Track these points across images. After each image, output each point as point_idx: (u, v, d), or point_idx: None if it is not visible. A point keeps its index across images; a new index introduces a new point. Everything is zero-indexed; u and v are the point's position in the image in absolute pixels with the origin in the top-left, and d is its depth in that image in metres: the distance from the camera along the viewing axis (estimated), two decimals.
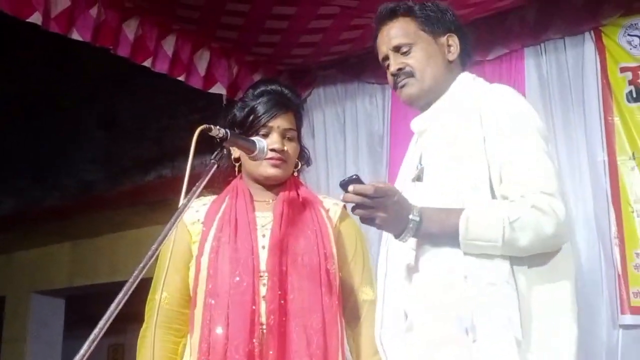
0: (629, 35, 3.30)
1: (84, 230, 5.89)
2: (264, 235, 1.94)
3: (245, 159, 1.99)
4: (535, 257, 1.66)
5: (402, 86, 1.91)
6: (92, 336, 1.30)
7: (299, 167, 2.09)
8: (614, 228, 3.13)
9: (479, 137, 1.72)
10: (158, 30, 3.49)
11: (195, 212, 2.01)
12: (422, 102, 1.92)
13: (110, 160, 5.60)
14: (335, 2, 3.28)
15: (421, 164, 1.85)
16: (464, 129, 1.75)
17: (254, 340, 1.81)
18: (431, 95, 1.90)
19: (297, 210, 1.97)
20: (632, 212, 3.13)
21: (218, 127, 1.76)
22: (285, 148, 1.99)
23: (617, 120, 3.23)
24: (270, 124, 1.98)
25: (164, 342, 1.94)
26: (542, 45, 3.49)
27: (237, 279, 1.85)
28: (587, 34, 3.38)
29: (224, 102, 3.73)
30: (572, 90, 3.38)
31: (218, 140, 1.78)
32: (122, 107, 5.63)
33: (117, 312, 1.37)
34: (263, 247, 1.92)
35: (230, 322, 1.82)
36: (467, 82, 1.92)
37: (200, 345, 1.83)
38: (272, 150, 1.96)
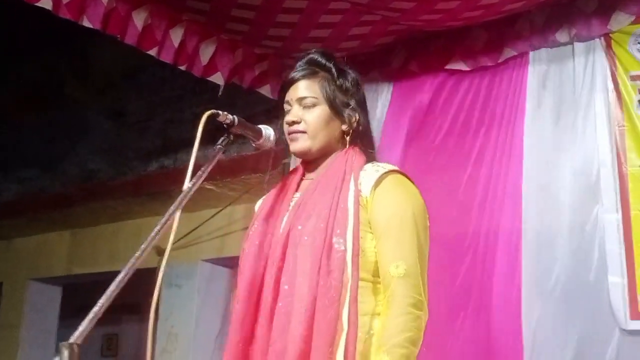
0: (639, 43, 3.29)
1: (84, 219, 5.89)
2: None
3: (285, 134, 1.92)
4: None
5: None
6: (91, 314, 1.29)
7: (352, 133, 1.89)
8: (622, 235, 3.11)
9: None
10: (167, 20, 3.48)
11: (261, 201, 2.03)
12: None
13: (114, 150, 5.60)
14: None
15: None
16: None
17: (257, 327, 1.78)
18: None
19: (323, 187, 1.82)
20: None
21: (226, 113, 1.75)
22: (299, 117, 1.86)
23: (627, 128, 3.21)
24: (288, 98, 1.90)
25: None
26: (550, 50, 3.48)
27: (257, 269, 1.85)
28: (597, 41, 3.36)
29: (220, 92, 3.70)
30: (580, 97, 3.36)
31: (225, 126, 1.77)
32: (128, 99, 5.64)
33: (116, 292, 1.36)
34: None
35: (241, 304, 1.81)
36: None
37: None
38: (287, 123, 1.88)
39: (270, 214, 1.90)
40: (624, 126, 3.23)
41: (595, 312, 3.09)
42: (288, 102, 1.88)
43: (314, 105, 1.85)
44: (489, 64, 3.59)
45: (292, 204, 1.87)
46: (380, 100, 3.91)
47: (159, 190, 4.96)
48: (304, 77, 1.87)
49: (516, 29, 3.53)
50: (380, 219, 1.75)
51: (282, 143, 4.28)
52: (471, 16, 3.42)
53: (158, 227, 1.53)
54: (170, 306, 5.33)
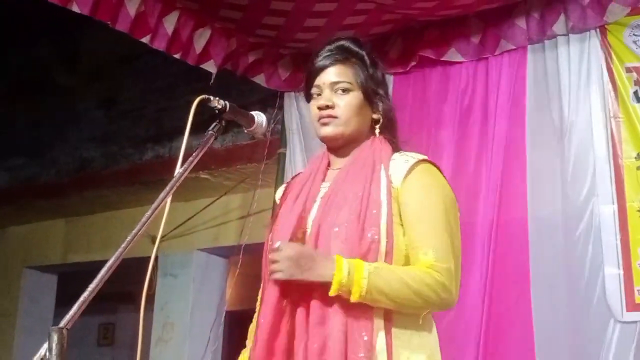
0: (634, 35, 3.28)
1: (79, 207, 5.89)
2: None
3: (312, 124, 1.89)
4: None
5: None
6: (81, 299, 1.29)
7: (382, 123, 1.88)
8: (618, 226, 3.12)
9: None
10: (161, 7, 3.45)
11: (282, 188, 2.01)
12: None
13: (108, 139, 5.59)
14: None
15: None
16: None
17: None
18: None
19: (353, 176, 1.80)
20: (638, 210, 3.12)
21: (217, 98, 1.75)
22: (333, 102, 1.82)
23: (623, 120, 3.21)
24: (317, 82, 1.86)
25: None
26: (546, 42, 3.47)
27: None
28: (592, 32, 3.35)
29: (212, 80, 3.69)
30: (576, 89, 3.35)
31: (217, 112, 1.77)
32: (121, 87, 5.63)
33: (106, 277, 1.36)
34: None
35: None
36: None
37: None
38: (319, 107, 1.84)
39: (296, 202, 1.85)
40: (619, 118, 3.23)
41: (592, 304, 3.11)
42: (318, 87, 1.85)
43: (347, 90, 1.83)
44: (486, 55, 3.59)
45: (320, 194, 1.84)
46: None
47: (154, 178, 4.95)
48: (337, 61, 1.85)
49: (513, 20, 3.52)
50: (411, 208, 1.74)
51: (276, 133, 4.28)
52: (466, 4, 3.41)
53: (149, 213, 1.53)
54: (165, 295, 5.34)
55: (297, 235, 1.76)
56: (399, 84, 3.87)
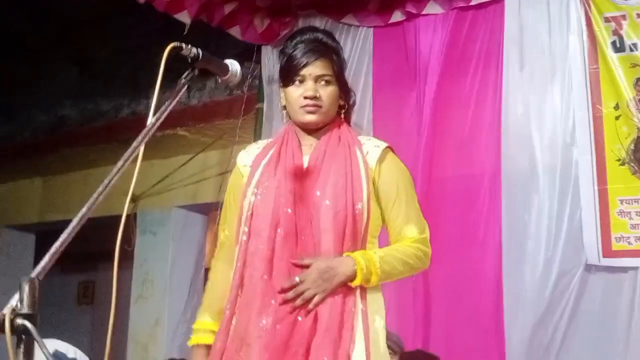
0: None
1: (56, 166, 5.83)
2: None
3: (289, 105, 2.06)
4: None
5: None
6: (52, 249, 1.27)
7: (346, 109, 2.12)
8: (596, 176, 3.16)
9: None
10: None
11: (247, 155, 2.13)
12: None
13: (83, 97, 5.52)
14: None
15: None
16: None
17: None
18: None
19: (332, 154, 2.02)
20: (617, 160, 3.16)
21: (190, 46, 1.71)
22: (319, 94, 2.02)
23: (601, 70, 3.21)
24: (303, 72, 2.03)
25: (226, 274, 2.05)
26: None
27: (277, 218, 1.96)
28: None
29: (185, 30, 3.62)
30: (555, 40, 3.35)
31: (190, 60, 1.73)
32: (94, 48, 5.54)
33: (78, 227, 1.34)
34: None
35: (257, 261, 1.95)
36: None
37: (233, 279, 1.99)
38: (305, 97, 2.01)
39: (277, 172, 2.03)
40: (597, 68, 3.23)
41: (567, 249, 3.18)
42: (303, 76, 2.03)
43: (329, 83, 2.04)
44: (461, 4, 3.57)
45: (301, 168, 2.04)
46: (360, 45, 3.90)
47: (131, 135, 4.84)
48: (321, 56, 2.04)
49: None
50: (391, 188, 2.03)
51: (253, 88, 4.23)
52: None
53: (121, 163, 1.50)
54: (145, 253, 5.34)
55: (293, 207, 1.96)
56: (379, 37, 3.85)
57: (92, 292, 7.93)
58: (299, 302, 1.87)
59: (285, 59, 2.08)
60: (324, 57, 2.04)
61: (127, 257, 5.20)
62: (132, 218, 5.17)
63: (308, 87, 2.01)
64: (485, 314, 3.32)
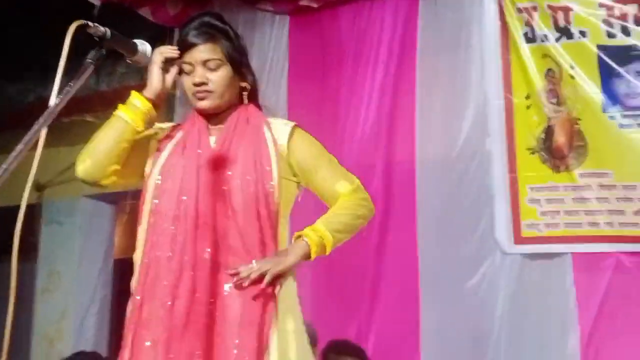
0: None
1: None
2: None
3: (186, 94, 2.01)
4: None
5: None
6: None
7: (249, 90, 2.07)
8: (507, 164, 3.22)
9: None
10: None
11: (160, 129, 2.07)
12: None
13: None
14: None
15: None
16: None
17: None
18: None
19: (240, 134, 2.01)
20: (528, 149, 3.22)
21: (96, 24, 1.62)
22: (206, 79, 1.97)
23: (513, 60, 3.26)
24: (190, 59, 1.98)
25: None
26: None
27: (185, 197, 1.92)
28: None
29: (95, 11, 3.50)
30: (470, 30, 3.39)
31: (97, 39, 1.65)
32: None
33: None
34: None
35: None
36: None
37: (141, 265, 1.95)
38: (194, 84, 1.97)
39: (184, 153, 1.99)
40: (509, 58, 3.28)
41: (479, 238, 3.24)
42: (190, 64, 1.98)
43: (218, 67, 1.99)
44: None
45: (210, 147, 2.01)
46: (275, 32, 3.87)
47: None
48: (206, 40, 1.99)
49: None
50: (308, 157, 2.04)
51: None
52: None
53: (21, 146, 1.40)
54: (50, 244, 5.16)
55: (202, 187, 1.93)
56: (295, 25, 3.83)
57: None
58: (251, 278, 1.82)
59: (177, 47, 2.02)
60: (210, 41, 1.99)
61: (32, 248, 5.02)
62: (37, 208, 4.99)
63: (196, 74, 1.97)
64: (401, 303, 3.34)
